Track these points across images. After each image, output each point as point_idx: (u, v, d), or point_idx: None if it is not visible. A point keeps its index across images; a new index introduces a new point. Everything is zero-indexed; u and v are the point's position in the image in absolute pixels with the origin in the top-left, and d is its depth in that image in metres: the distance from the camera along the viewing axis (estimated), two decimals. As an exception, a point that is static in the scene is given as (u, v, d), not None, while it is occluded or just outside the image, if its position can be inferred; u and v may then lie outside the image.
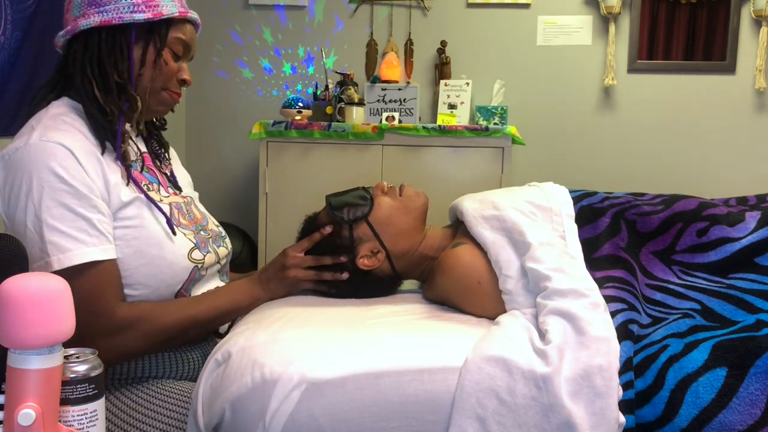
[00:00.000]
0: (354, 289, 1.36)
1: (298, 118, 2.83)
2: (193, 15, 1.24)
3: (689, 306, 1.17)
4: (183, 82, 1.25)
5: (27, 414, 0.67)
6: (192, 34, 1.24)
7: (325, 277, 1.32)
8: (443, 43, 3.14)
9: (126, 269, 1.13)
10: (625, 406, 0.98)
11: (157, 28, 1.18)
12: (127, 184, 1.15)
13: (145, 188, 1.18)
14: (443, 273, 1.29)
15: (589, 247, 1.27)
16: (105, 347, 0.94)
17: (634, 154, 3.18)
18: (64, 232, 1.05)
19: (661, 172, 3.15)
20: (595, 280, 1.14)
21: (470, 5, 3.20)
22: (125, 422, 1.14)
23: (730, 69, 3.08)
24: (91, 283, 1.07)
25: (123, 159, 1.15)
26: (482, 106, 2.89)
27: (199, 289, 1.26)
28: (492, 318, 1.17)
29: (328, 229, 1.33)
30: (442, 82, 2.99)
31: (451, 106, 2.92)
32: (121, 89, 1.17)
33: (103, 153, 1.13)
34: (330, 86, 3.05)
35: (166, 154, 1.36)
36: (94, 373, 0.76)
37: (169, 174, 1.32)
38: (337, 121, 2.90)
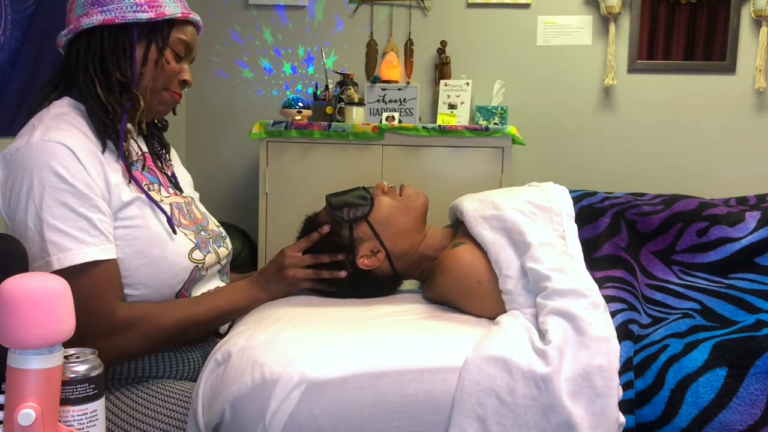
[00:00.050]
0: (354, 289, 1.36)
1: (298, 118, 2.83)
2: (195, 17, 1.24)
3: (689, 306, 1.17)
4: (184, 83, 1.26)
5: (27, 414, 0.67)
6: (193, 36, 1.25)
7: (323, 275, 1.32)
8: (443, 43, 3.14)
9: (127, 269, 1.13)
10: (625, 406, 0.98)
11: (160, 28, 1.19)
12: (129, 182, 1.15)
13: (145, 188, 1.18)
14: (443, 273, 1.29)
15: (589, 247, 1.27)
16: (105, 347, 0.94)
17: (634, 154, 3.18)
18: (64, 231, 1.05)
19: (661, 172, 3.15)
20: (595, 280, 1.14)
21: (470, 5, 3.20)
22: (125, 422, 1.14)
23: (730, 69, 3.08)
24: (92, 282, 1.07)
25: (125, 157, 1.16)
26: (482, 106, 2.89)
27: (200, 290, 1.26)
28: (492, 318, 1.17)
29: (326, 229, 1.33)
30: (442, 82, 2.99)
31: (451, 106, 2.92)
32: (123, 88, 1.17)
33: (104, 151, 1.13)
34: (330, 86, 3.05)
35: (168, 155, 1.36)
36: (94, 373, 0.76)
37: (170, 175, 1.33)
38: (337, 121, 2.90)
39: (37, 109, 1.17)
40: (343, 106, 2.88)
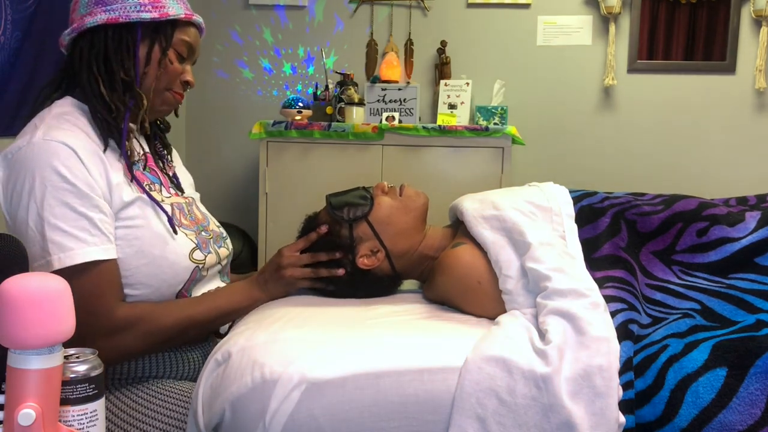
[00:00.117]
0: (354, 289, 1.36)
1: (298, 118, 2.83)
2: (198, 19, 1.25)
3: (689, 306, 1.17)
4: (186, 84, 1.26)
5: (27, 414, 0.67)
6: (196, 38, 1.26)
7: (321, 273, 1.32)
8: (443, 43, 3.14)
9: (127, 269, 1.13)
10: (625, 406, 0.98)
11: (163, 28, 1.19)
12: (131, 181, 1.15)
13: (147, 188, 1.19)
14: (443, 273, 1.29)
15: (589, 247, 1.27)
16: (104, 347, 0.94)
17: (634, 154, 3.18)
18: (65, 231, 1.05)
19: (661, 172, 3.15)
20: (595, 280, 1.14)
21: (470, 5, 3.20)
22: (125, 422, 1.14)
23: (730, 69, 3.08)
24: (92, 282, 1.07)
25: (127, 156, 1.16)
26: (482, 106, 2.89)
27: (200, 290, 1.26)
28: (492, 318, 1.17)
29: (323, 229, 1.33)
30: (442, 82, 2.99)
31: (451, 106, 2.92)
32: (126, 87, 1.18)
33: (105, 150, 1.13)
34: (330, 86, 3.05)
35: (169, 156, 1.37)
36: (94, 373, 0.76)
37: (171, 175, 1.33)
38: (337, 121, 2.90)
39: (39, 109, 1.17)
40: (343, 106, 2.88)
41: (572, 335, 1.01)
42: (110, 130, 1.15)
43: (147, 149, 1.29)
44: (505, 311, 1.17)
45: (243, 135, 3.17)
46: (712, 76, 3.11)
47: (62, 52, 1.24)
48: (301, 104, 2.87)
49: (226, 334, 1.26)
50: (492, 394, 0.96)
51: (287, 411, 0.96)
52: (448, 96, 2.93)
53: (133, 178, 1.16)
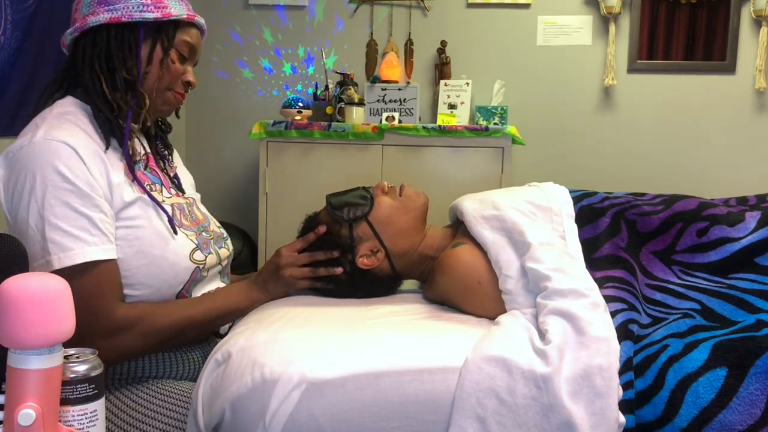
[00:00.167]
0: (353, 289, 1.36)
1: (298, 118, 2.84)
2: (200, 20, 1.26)
3: (689, 306, 1.17)
4: (188, 84, 1.27)
5: (27, 414, 0.67)
6: (198, 39, 1.26)
7: (320, 273, 1.32)
8: (443, 43, 3.14)
9: (127, 269, 1.13)
10: (625, 406, 0.98)
11: (165, 29, 1.20)
12: (133, 180, 1.16)
13: (147, 188, 1.19)
14: (443, 273, 1.29)
15: (589, 247, 1.27)
16: (104, 347, 0.94)
17: (634, 154, 3.18)
18: (66, 230, 1.05)
19: (661, 172, 3.15)
20: (595, 280, 1.14)
21: (470, 5, 3.20)
22: (125, 422, 1.14)
23: (730, 69, 3.08)
24: (92, 282, 1.07)
25: (129, 156, 1.16)
26: (482, 106, 2.89)
27: (200, 290, 1.26)
28: (492, 318, 1.17)
29: (322, 229, 1.33)
30: (442, 82, 2.99)
31: (451, 106, 2.92)
32: (129, 86, 1.18)
33: (107, 149, 1.14)
34: (330, 86, 3.05)
35: (170, 156, 1.37)
36: (94, 373, 0.76)
37: (172, 176, 1.33)
38: (337, 121, 2.90)
39: (41, 108, 1.17)
40: (343, 106, 2.88)
41: (572, 335, 1.01)
42: (112, 129, 1.15)
43: (148, 149, 1.29)
44: (505, 311, 1.17)
45: (243, 135, 3.17)
46: (712, 76, 3.11)
47: (63, 52, 1.24)
48: (301, 104, 2.87)
49: (226, 334, 1.26)
50: (492, 394, 0.96)
51: (287, 411, 0.96)
52: (448, 96, 2.93)
53: (134, 178, 1.16)
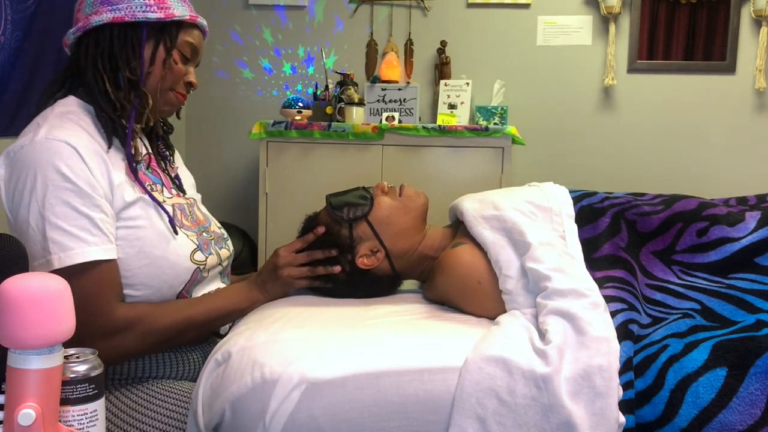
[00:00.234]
0: (353, 289, 1.36)
1: (298, 118, 2.84)
2: (202, 21, 1.26)
3: (689, 306, 1.17)
4: (189, 85, 1.27)
5: (27, 414, 0.67)
6: (200, 40, 1.27)
7: (318, 272, 1.32)
8: (443, 43, 3.14)
9: (128, 269, 1.13)
10: (625, 406, 0.98)
11: (168, 29, 1.20)
12: (135, 179, 1.16)
13: (149, 188, 1.19)
14: (443, 273, 1.29)
15: (589, 247, 1.27)
16: (103, 347, 0.94)
17: (634, 154, 3.18)
18: (66, 230, 1.05)
19: (661, 172, 3.15)
20: (595, 280, 1.14)
21: (470, 5, 3.20)
22: (125, 422, 1.14)
23: (730, 69, 3.08)
24: (92, 282, 1.07)
25: (132, 155, 1.16)
26: (482, 106, 2.89)
27: (201, 291, 1.26)
28: (492, 318, 1.17)
29: (320, 230, 1.33)
30: (442, 82, 2.99)
31: (451, 106, 2.92)
32: (132, 86, 1.18)
33: (109, 148, 1.14)
34: (330, 86, 3.05)
35: (172, 157, 1.37)
36: (94, 373, 0.76)
37: (173, 176, 1.33)
38: (337, 121, 2.90)
39: (42, 108, 1.18)
40: (343, 106, 2.88)
41: (572, 335, 1.01)
42: (115, 129, 1.15)
43: (150, 149, 1.29)
44: (505, 311, 1.17)
45: (243, 135, 3.18)
46: (712, 76, 3.11)
47: (63, 52, 1.24)
48: (301, 104, 2.87)
49: (226, 334, 1.26)
50: (492, 394, 0.96)
51: (287, 411, 0.96)
52: (448, 96, 2.93)
53: (135, 179, 1.16)
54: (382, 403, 0.97)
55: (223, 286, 1.33)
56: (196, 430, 1.04)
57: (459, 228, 1.41)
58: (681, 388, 0.98)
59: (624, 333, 1.06)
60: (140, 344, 1.14)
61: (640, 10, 3.09)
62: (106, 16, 1.16)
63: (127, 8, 1.17)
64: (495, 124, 2.83)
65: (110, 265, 1.10)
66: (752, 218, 1.28)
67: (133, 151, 1.17)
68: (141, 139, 1.26)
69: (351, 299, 1.34)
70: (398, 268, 1.37)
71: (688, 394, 0.97)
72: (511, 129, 2.73)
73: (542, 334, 1.04)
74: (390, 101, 2.93)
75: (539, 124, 3.19)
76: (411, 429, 0.97)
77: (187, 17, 1.21)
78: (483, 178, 2.74)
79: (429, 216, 1.42)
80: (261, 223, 2.85)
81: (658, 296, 1.22)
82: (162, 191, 1.25)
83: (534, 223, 1.27)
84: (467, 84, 2.93)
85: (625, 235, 1.30)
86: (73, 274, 1.01)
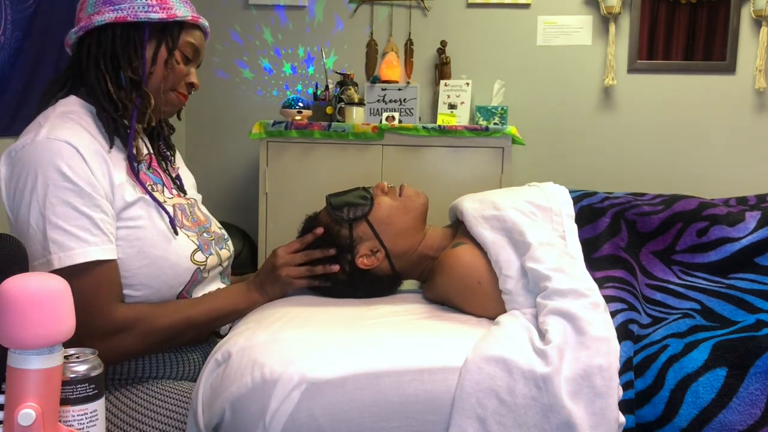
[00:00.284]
0: (353, 289, 1.36)
1: (298, 118, 2.84)
2: (204, 22, 1.26)
3: (689, 306, 1.17)
4: (191, 86, 1.27)
5: (27, 414, 0.67)
6: (201, 41, 1.27)
7: (317, 271, 1.32)
8: (443, 43, 3.14)
9: (128, 270, 1.13)
10: (625, 406, 0.98)
11: (170, 29, 1.20)
12: (136, 179, 1.16)
13: (149, 188, 1.19)
14: (443, 273, 1.29)
15: (589, 247, 1.27)
16: (103, 348, 0.94)
17: (634, 154, 3.18)
18: (67, 230, 1.05)
19: (661, 172, 3.15)
20: (595, 280, 1.14)
21: (470, 5, 3.20)
22: (125, 422, 1.14)
23: (730, 69, 3.08)
24: (92, 282, 1.07)
25: (134, 156, 1.16)
26: (482, 106, 2.89)
27: (201, 292, 1.26)
28: (492, 318, 1.17)
29: (319, 231, 1.33)
30: (442, 82, 2.99)
31: (451, 106, 2.92)
32: (134, 86, 1.18)
33: (111, 148, 1.14)
34: (330, 86, 3.05)
35: (173, 157, 1.37)
36: (94, 373, 0.76)
37: (174, 176, 1.33)
38: (337, 121, 2.90)
39: (44, 107, 1.18)
40: (343, 106, 2.88)
41: (572, 335, 1.01)
42: (117, 129, 1.16)
43: (150, 150, 1.29)
44: (505, 311, 1.17)
45: (243, 135, 3.17)
46: (712, 76, 3.11)
47: (63, 52, 1.24)
48: (301, 104, 2.87)
49: (226, 334, 1.26)
50: (492, 394, 0.96)
51: (287, 411, 0.96)
52: (448, 96, 2.93)
53: (136, 179, 1.16)
54: (382, 403, 0.97)
55: (223, 286, 1.33)
56: (196, 430, 1.04)
57: (459, 228, 1.41)
58: (681, 388, 0.98)
59: (624, 333, 1.06)
60: (140, 344, 1.14)
61: (640, 10, 3.09)
62: (108, 15, 1.16)
63: (129, 8, 1.17)
64: (495, 124, 2.83)
65: (110, 265, 1.10)
66: (752, 218, 1.28)
67: (134, 151, 1.17)
68: (142, 139, 1.26)
69: (351, 299, 1.34)
70: (398, 268, 1.37)
71: (688, 394, 0.97)
72: (511, 129, 2.73)
73: (542, 334, 1.04)
74: (390, 101, 2.93)
75: (539, 124, 3.19)
76: (411, 429, 0.97)
77: (189, 18, 1.21)
78: (483, 178, 2.74)
79: (429, 216, 1.42)
80: (261, 223, 2.85)
81: (658, 296, 1.22)
82: (163, 191, 1.25)
83: (534, 223, 1.27)
84: (467, 84, 2.93)
85: (625, 235, 1.30)
86: (73, 274, 1.01)
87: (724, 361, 0.98)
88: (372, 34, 3.25)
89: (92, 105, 1.17)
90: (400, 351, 1.03)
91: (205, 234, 1.28)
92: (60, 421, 0.72)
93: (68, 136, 1.08)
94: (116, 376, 1.18)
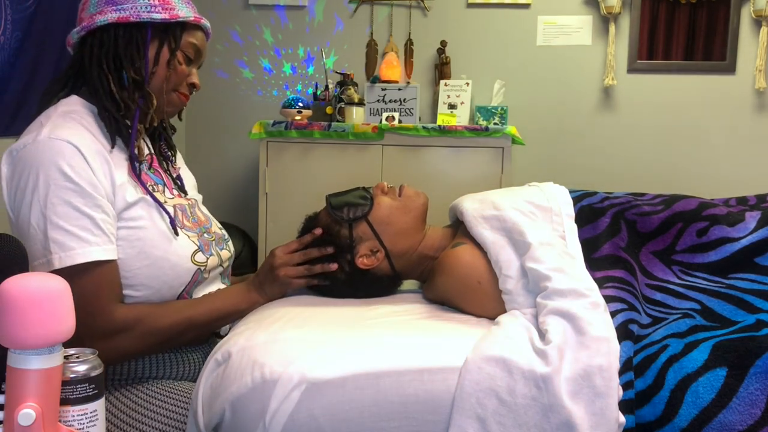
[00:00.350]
0: (353, 289, 1.36)
1: (298, 118, 2.84)
2: (206, 23, 1.26)
3: (689, 306, 1.17)
4: (192, 86, 1.28)
5: (27, 414, 0.67)
6: (203, 41, 1.27)
7: (315, 270, 1.32)
8: (443, 43, 3.14)
9: (129, 270, 1.13)
10: (625, 406, 0.98)
11: (172, 30, 1.20)
12: (139, 177, 1.16)
13: (150, 189, 1.19)
14: (443, 273, 1.29)
15: (589, 247, 1.27)
16: (103, 348, 0.94)
17: (634, 154, 3.18)
18: (67, 230, 1.05)
19: (661, 171, 3.15)
20: (595, 280, 1.14)
21: (470, 5, 3.20)
22: (125, 422, 1.14)
23: (730, 69, 3.08)
24: (92, 283, 1.07)
25: (136, 156, 1.16)
26: (482, 106, 2.89)
27: (201, 292, 1.26)
28: (492, 318, 1.17)
29: (318, 231, 1.33)
30: (442, 82, 2.99)
31: (451, 106, 2.92)
32: (137, 86, 1.18)
33: (112, 148, 1.14)
34: (330, 86, 3.05)
35: (174, 157, 1.37)
36: (94, 373, 0.76)
37: (175, 177, 1.33)
38: (337, 121, 2.90)
39: (45, 107, 1.18)
40: (343, 106, 2.88)
41: (572, 335, 1.01)
42: (119, 129, 1.16)
43: (152, 150, 1.29)
44: (505, 311, 1.17)
45: (243, 135, 3.17)
46: (712, 76, 3.11)
47: (64, 52, 1.24)
48: (301, 104, 2.87)
49: (226, 334, 1.26)
50: (492, 394, 0.96)
51: (287, 411, 0.96)
52: (448, 96, 2.93)
53: (138, 179, 1.16)
54: (382, 403, 0.97)
55: (223, 287, 1.33)
56: (196, 430, 1.05)
57: (459, 228, 1.41)
58: (681, 388, 0.98)
59: (624, 333, 1.06)
60: (140, 344, 1.14)
61: (640, 10, 3.09)
62: (110, 15, 1.16)
63: (131, 8, 1.17)
64: (495, 124, 2.83)
65: (111, 265, 1.10)
66: (752, 218, 1.28)
67: (136, 152, 1.17)
68: (143, 139, 1.26)
69: (351, 299, 1.34)
70: (398, 268, 1.37)
71: (688, 394, 0.97)
72: (511, 129, 2.73)
73: (542, 334, 1.04)
74: (390, 101, 2.93)
75: (539, 124, 3.19)
76: (411, 429, 0.97)
77: (191, 18, 1.22)
78: (483, 178, 2.74)
79: (429, 216, 1.43)
80: (261, 223, 2.85)
81: (658, 296, 1.22)
82: (163, 192, 1.25)
83: (534, 223, 1.27)
84: (467, 84, 2.93)
85: (625, 235, 1.30)
86: (73, 274, 1.01)
87: (724, 361, 0.98)
88: (372, 34, 3.25)
89: (94, 105, 1.17)
90: (400, 351, 1.03)
91: (205, 234, 1.28)
92: (60, 421, 0.72)
93: (70, 136, 1.08)
94: (116, 377, 1.18)
